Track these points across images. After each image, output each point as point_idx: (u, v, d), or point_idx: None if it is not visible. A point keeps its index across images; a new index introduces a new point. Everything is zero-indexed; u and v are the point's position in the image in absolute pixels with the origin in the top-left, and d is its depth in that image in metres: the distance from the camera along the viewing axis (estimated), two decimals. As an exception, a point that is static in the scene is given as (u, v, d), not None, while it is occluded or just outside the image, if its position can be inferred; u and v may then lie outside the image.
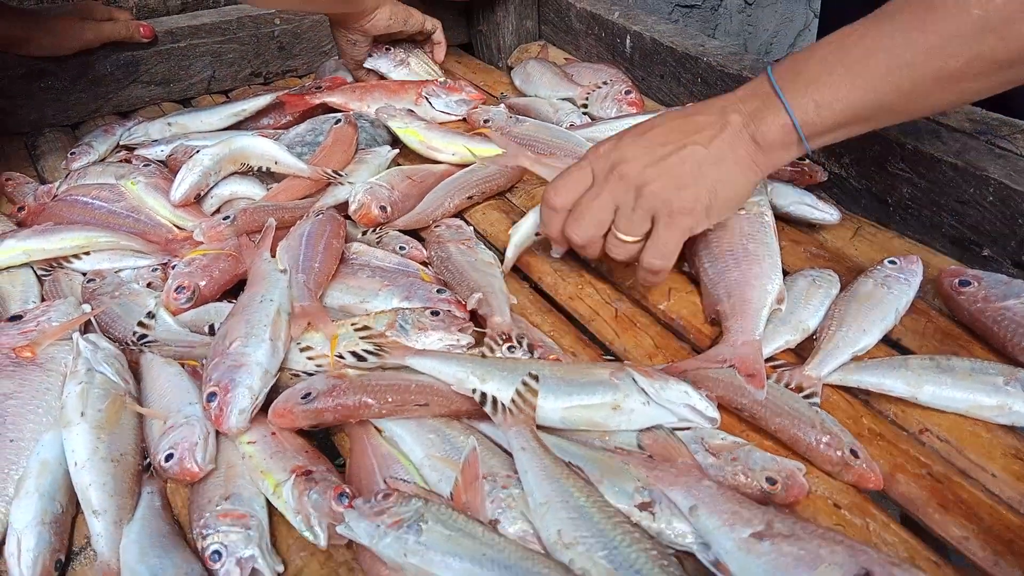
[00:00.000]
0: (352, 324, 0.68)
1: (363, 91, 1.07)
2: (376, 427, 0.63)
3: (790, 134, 0.65)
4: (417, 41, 1.17)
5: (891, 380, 0.63)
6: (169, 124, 1.06)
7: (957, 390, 0.62)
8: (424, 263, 0.82)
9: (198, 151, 0.95)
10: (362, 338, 0.67)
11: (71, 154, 1.01)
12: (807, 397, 0.64)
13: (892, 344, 0.70)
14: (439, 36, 1.17)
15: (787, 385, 0.66)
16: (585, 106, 1.07)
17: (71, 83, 1.13)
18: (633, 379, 0.61)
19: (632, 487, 0.55)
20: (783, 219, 0.84)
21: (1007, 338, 0.66)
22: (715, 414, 0.61)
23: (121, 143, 1.06)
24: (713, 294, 0.73)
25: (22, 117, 1.12)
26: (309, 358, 0.67)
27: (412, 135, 0.96)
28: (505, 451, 0.59)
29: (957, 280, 0.71)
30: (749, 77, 0.96)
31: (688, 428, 0.61)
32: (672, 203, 0.66)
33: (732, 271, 0.73)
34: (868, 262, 0.77)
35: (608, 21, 1.17)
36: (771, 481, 0.56)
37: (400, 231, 0.86)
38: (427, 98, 1.04)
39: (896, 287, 0.71)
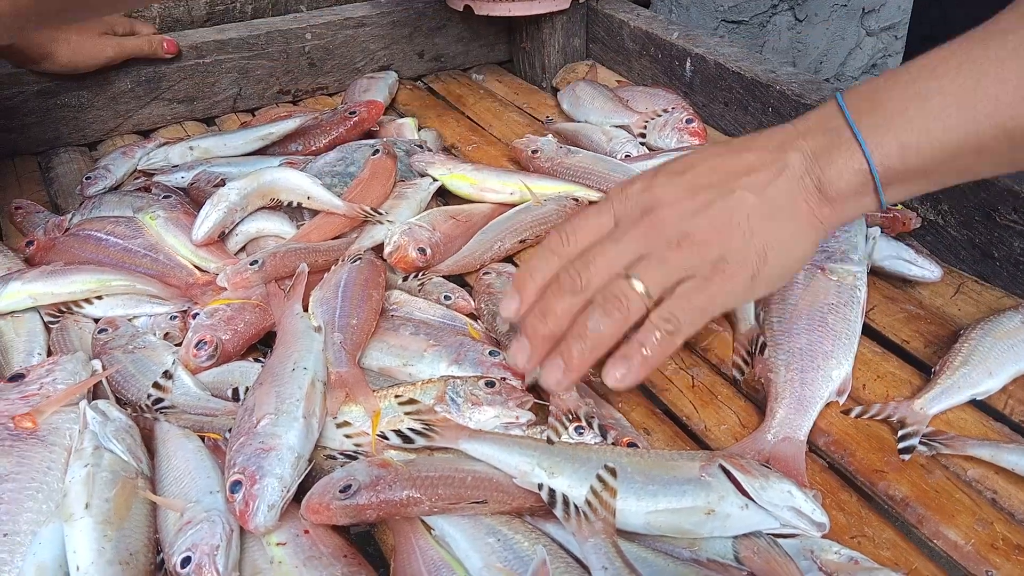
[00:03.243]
0: (396, 396, 0.59)
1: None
2: (425, 523, 0.54)
3: (865, 182, 0.52)
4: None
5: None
6: (191, 148, 0.98)
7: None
8: (472, 315, 0.73)
9: (222, 179, 0.87)
10: (407, 413, 0.58)
11: (86, 179, 0.94)
12: (904, 438, 0.58)
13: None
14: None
15: (888, 418, 0.60)
16: (643, 135, 0.99)
17: (88, 101, 1.06)
18: (727, 475, 0.52)
19: (734, 616, 0.46)
20: (874, 272, 0.75)
21: None
22: (824, 518, 0.52)
23: (140, 168, 0.98)
24: (772, 354, 0.64)
25: (36, 136, 1.05)
26: (347, 436, 0.58)
27: (461, 179, 0.87)
28: (578, 560, 0.51)
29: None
30: (830, 109, 0.87)
31: (789, 536, 0.52)
32: (712, 264, 0.53)
33: (801, 337, 0.64)
34: (977, 326, 0.68)
35: (666, 42, 1.08)
36: (899, 610, 0.47)
37: (444, 277, 0.78)
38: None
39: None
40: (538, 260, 0.58)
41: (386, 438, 0.57)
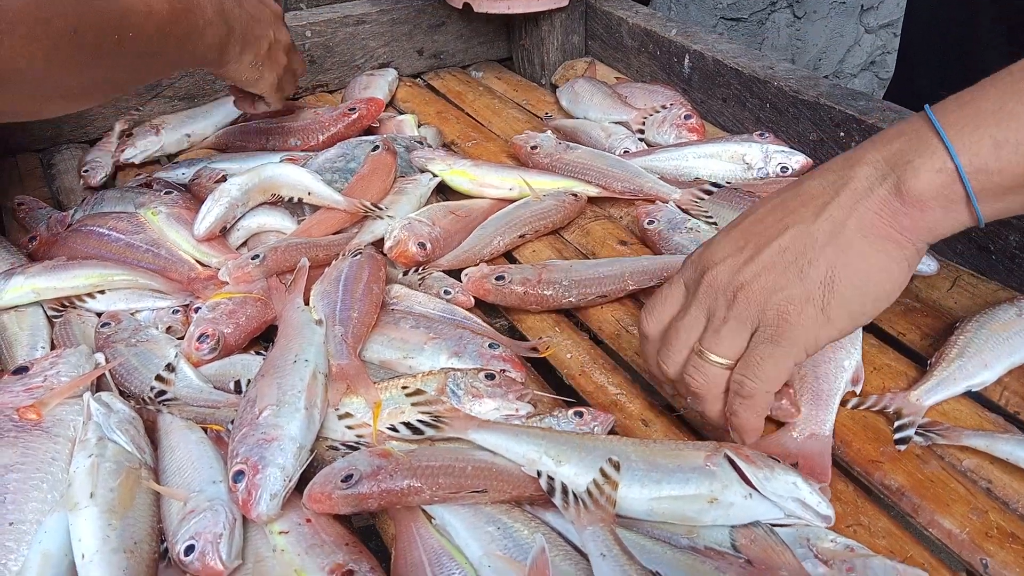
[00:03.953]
0: (404, 388, 0.60)
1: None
2: (426, 512, 0.55)
3: (951, 185, 0.46)
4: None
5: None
6: (188, 135, 1.02)
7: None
8: (471, 309, 0.74)
9: (223, 175, 0.88)
10: (414, 404, 0.59)
11: (84, 172, 0.94)
12: (900, 428, 0.59)
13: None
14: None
15: (884, 409, 0.61)
16: (642, 131, 0.99)
17: (90, 98, 1.06)
18: (732, 465, 0.52)
19: (732, 603, 0.47)
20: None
21: None
22: (829, 511, 0.52)
23: (124, 159, 1.00)
24: None
25: (38, 133, 1.06)
26: (349, 427, 0.59)
27: (461, 175, 0.88)
28: (577, 548, 0.51)
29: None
30: (827, 105, 0.87)
31: (787, 525, 0.53)
32: (775, 310, 0.49)
33: None
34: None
35: (664, 39, 1.08)
36: (894, 597, 0.48)
37: (444, 272, 0.78)
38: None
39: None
40: (643, 350, 0.58)
41: (396, 431, 0.57)
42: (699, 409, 0.56)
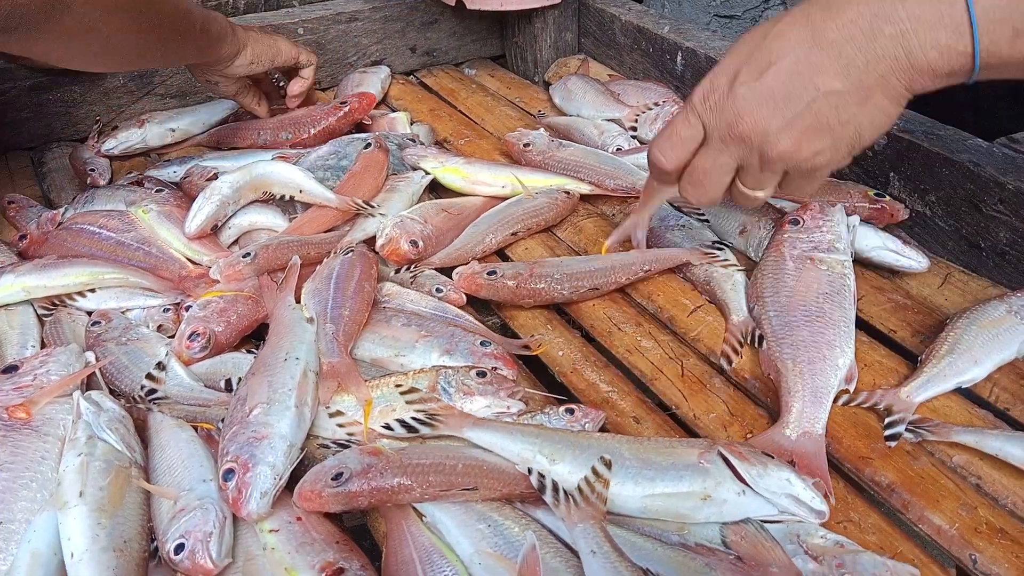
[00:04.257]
0: (398, 386, 0.60)
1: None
2: (417, 510, 0.55)
3: (961, 36, 0.49)
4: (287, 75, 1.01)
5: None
6: (172, 130, 1.02)
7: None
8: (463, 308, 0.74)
9: (214, 173, 0.87)
10: (409, 402, 0.58)
11: (92, 171, 0.94)
12: (891, 425, 0.59)
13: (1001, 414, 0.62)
14: (308, 73, 0.99)
15: (875, 406, 0.61)
16: (634, 128, 0.99)
17: (81, 96, 1.06)
18: (726, 462, 0.52)
19: (722, 599, 0.47)
20: (862, 263, 0.76)
21: None
22: (823, 507, 0.52)
23: (108, 151, 1.00)
24: (776, 349, 0.64)
25: (29, 131, 1.05)
26: (340, 425, 0.59)
27: (453, 173, 0.88)
28: (568, 545, 0.51)
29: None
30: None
31: (780, 521, 0.53)
32: (808, 162, 0.56)
33: (802, 329, 0.65)
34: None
35: (657, 36, 1.08)
36: (884, 593, 0.48)
37: (436, 270, 0.78)
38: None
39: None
40: (658, 179, 0.64)
41: (391, 429, 0.57)
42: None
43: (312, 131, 0.98)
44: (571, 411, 0.60)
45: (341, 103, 1.00)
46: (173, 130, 1.03)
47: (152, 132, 1.02)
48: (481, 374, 0.61)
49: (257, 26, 0.99)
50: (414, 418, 0.57)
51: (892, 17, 0.51)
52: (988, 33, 0.49)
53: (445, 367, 0.62)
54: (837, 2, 0.53)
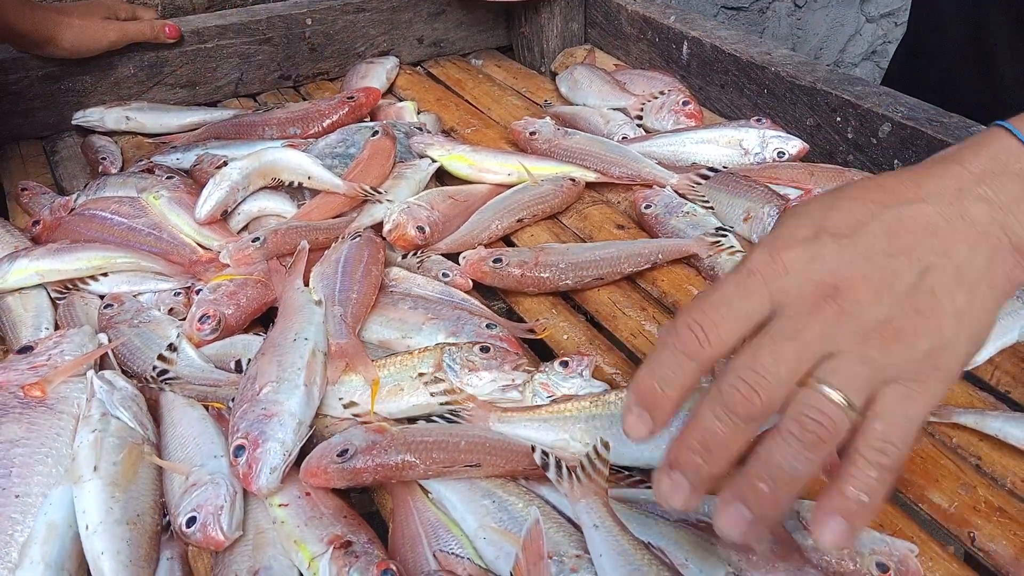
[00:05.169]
0: (420, 374, 0.60)
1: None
2: (422, 487, 0.56)
3: None
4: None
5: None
6: (127, 118, 1.04)
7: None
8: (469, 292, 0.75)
9: (224, 161, 0.89)
10: (433, 394, 0.59)
11: (102, 158, 0.96)
12: None
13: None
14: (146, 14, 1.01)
15: None
16: (640, 117, 1.00)
17: (92, 85, 1.07)
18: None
19: (722, 573, 0.48)
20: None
21: None
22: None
23: (73, 122, 1.03)
24: None
25: (41, 120, 1.07)
26: (355, 415, 0.60)
27: (459, 160, 0.88)
28: (571, 521, 0.52)
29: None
30: (824, 90, 0.88)
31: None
32: (922, 360, 0.40)
33: None
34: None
35: (663, 25, 1.09)
36: (882, 567, 0.49)
37: (443, 255, 0.79)
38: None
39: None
40: (667, 364, 0.42)
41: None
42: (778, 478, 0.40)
43: (319, 127, 0.99)
44: (565, 363, 0.62)
45: (348, 98, 1.01)
46: (128, 119, 1.04)
47: (111, 116, 1.04)
48: (484, 348, 0.62)
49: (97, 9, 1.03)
50: (440, 415, 0.58)
51: (982, 195, 0.43)
52: None
53: (449, 344, 0.63)
54: (909, 173, 0.44)
